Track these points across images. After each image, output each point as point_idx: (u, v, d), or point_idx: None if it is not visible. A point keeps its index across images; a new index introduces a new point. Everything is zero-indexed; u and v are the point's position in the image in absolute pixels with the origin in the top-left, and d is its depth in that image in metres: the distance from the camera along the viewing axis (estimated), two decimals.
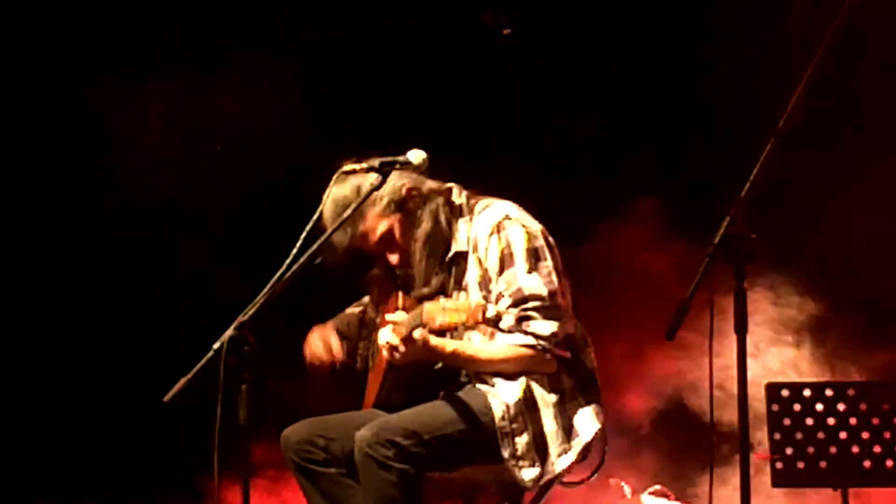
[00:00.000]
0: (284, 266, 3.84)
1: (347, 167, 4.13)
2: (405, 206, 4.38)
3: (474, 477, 4.30)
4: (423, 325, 3.99)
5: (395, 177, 4.26)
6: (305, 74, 6.65)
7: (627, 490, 5.18)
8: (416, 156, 4.32)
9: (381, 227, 4.37)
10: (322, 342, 4.52)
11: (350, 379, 4.56)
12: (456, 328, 4.02)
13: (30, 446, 6.45)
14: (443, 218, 4.38)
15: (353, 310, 4.70)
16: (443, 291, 4.35)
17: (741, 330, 3.41)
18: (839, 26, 3.47)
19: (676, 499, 5.16)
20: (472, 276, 4.36)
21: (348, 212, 4.05)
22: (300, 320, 4.68)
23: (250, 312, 3.76)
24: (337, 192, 4.23)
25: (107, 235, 6.59)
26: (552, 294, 4.24)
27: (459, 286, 4.37)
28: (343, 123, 6.50)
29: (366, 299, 4.68)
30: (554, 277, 4.28)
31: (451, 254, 4.37)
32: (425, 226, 4.36)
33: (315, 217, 3.93)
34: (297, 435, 4.34)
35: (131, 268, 6.61)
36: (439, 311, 3.96)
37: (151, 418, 5.38)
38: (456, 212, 4.42)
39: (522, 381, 4.25)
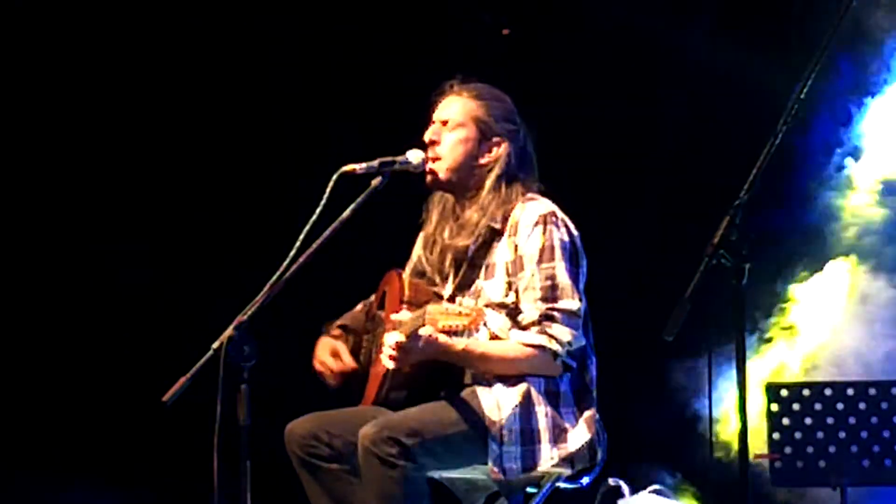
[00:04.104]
0: (284, 265, 3.85)
1: (347, 168, 4.13)
2: (494, 134, 4.37)
3: (476, 477, 4.30)
4: (425, 326, 3.99)
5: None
6: (306, 73, 6.67)
7: (627, 490, 5.19)
8: (416, 156, 4.33)
9: (465, 120, 4.37)
10: (331, 353, 4.49)
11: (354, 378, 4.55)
12: (458, 332, 3.98)
13: (28, 447, 6.45)
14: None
15: (360, 307, 4.70)
16: (467, 254, 4.33)
17: (740, 329, 3.41)
18: (839, 27, 3.47)
19: (676, 498, 5.17)
20: (500, 257, 4.29)
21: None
22: (300, 319, 4.68)
23: (249, 312, 3.76)
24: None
25: (108, 234, 6.60)
26: (580, 303, 4.22)
27: (483, 261, 4.33)
28: (342, 123, 6.51)
29: (372, 297, 4.67)
30: (582, 287, 4.27)
31: (486, 227, 4.30)
32: (502, 165, 4.34)
33: (319, 210, 3.93)
34: (301, 429, 4.30)
35: (132, 267, 6.61)
36: (442, 313, 3.94)
37: (150, 418, 5.37)
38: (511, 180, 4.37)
39: (522, 383, 4.23)
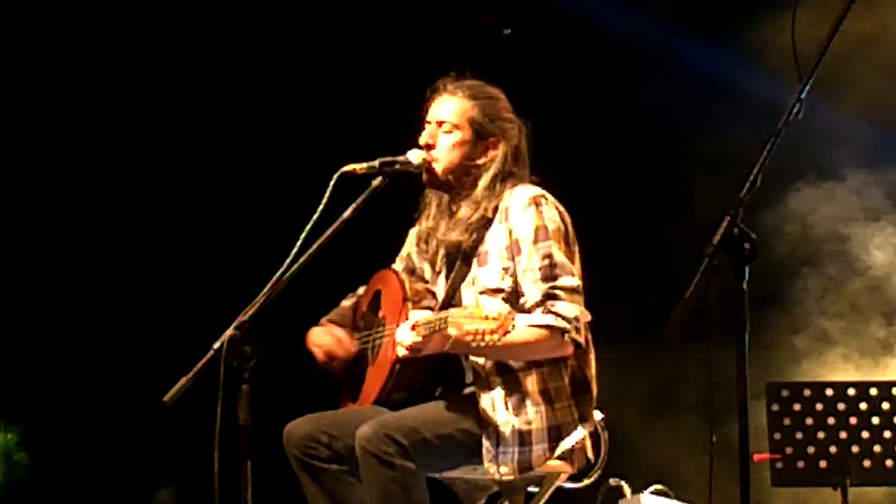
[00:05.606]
0: (285, 265, 3.85)
1: (347, 168, 4.13)
2: (490, 134, 4.36)
3: (476, 477, 4.29)
4: (448, 333, 3.96)
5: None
6: (306, 73, 6.66)
7: (627, 490, 5.19)
8: (416, 156, 4.33)
9: (462, 120, 4.36)
10: (330, 337, 4.49)
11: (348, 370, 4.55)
12: (483, 337, 3.92)
13: (28, 446, 6.45)
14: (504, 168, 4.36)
15: (347, 302, 4.69)
16: (460, 248, 4.32)
17: (741, 330, 3.40)
18: (839, 28, 3.47)
19: (676, 498, 5.17)
20: (493, 244, 4.29)
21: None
22: (300, 319, 4.68)
23: (250, 312, 3.76)
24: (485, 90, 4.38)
25: (107, 234, 6.60)
26: (579, 280, 4.21)
27: (475, 251, 4.33)
28: (342, 123, 6.51)
29: (360, 290, 4.66)
30: (579, 267, 4.27)
31: (478, 219, 4.31)
32: (498, 165, 4.33)
33: (321, 208, 3.92)
34: (300, 430, 4.31)
35: (132, 266, 6.61)
36: (466, 317, 3.90)
37: (151, 418, 5.37)
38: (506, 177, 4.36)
39: (519, 384, 4.22)
